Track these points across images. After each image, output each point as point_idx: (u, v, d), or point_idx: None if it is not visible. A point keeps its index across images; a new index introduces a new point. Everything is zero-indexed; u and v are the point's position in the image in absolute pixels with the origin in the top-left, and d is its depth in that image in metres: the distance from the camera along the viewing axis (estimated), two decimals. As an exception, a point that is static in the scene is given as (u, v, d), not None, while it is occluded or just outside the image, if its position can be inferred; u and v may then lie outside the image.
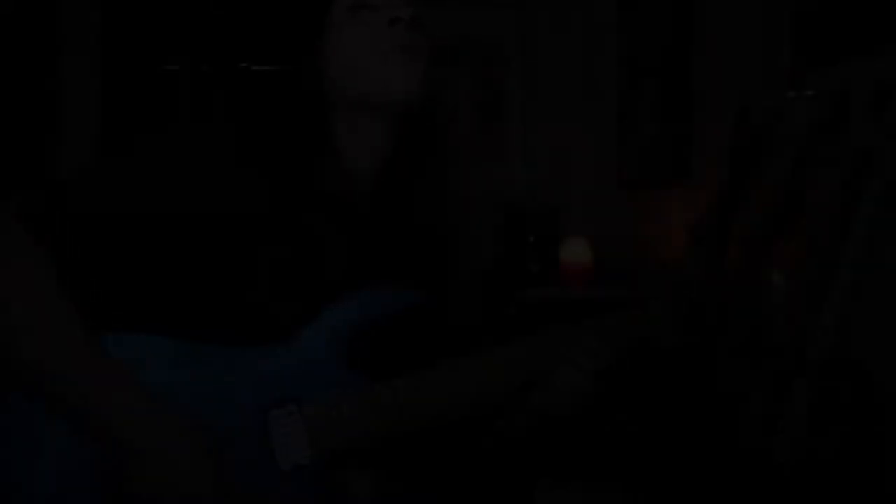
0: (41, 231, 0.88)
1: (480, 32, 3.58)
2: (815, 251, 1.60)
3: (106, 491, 0.87)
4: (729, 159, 1.91)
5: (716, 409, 1.80)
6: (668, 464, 1.84)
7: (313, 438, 0.94)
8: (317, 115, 1.00)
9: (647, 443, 1.95)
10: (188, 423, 0.88)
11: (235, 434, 0.93)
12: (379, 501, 1.06)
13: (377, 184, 1.05)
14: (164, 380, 0.91)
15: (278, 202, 0.96)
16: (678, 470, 1.81)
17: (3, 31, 2.95)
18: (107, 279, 0.96)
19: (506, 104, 3.61)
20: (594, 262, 2.79)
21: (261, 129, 1.01)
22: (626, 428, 2.13)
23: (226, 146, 0.98)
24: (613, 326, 1.04)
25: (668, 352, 2.06)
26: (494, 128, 3.61)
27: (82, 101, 3.18)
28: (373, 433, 0.96)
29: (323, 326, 0.96)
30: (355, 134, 1.01)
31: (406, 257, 1.05)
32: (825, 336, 1.49)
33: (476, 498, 1.16)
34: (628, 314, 1.05)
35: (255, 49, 1.04)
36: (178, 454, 0.86)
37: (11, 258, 0.85)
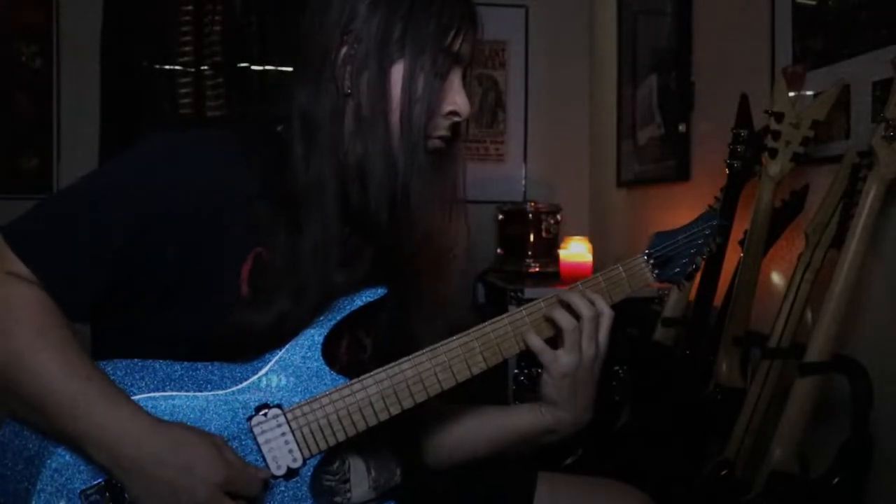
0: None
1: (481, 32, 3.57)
2: (815, 251, 1.61)
3: None
4: (729, 159, 1.91)
5: (714, 409, 1.80)
6: (666, 463, 1.84)
7: (301, 440, 0.94)
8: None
9: (646, 442, 1.96)
10: (182, 434, 0.87)
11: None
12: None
13: None
14: (157, 399, 0.91)
15: (266, 202, 0.95)
16: (676, 469, 1.81)
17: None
18: (106, 304, 0.95)
19: (506, 104, 3.62)
20: (594, 262, 2.78)
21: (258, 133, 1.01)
22: (625, 427, 2.13)
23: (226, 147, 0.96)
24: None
25: (669, 351, 2.06)
26: (494, 128, 3.62)
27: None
28: (356, 427, 0.96)
29: (307, 334, 0.96)
30: None
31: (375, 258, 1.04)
32: (825, 336, 1.49)
33: (479, 493, 1.16)
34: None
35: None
36: (173, 466, 0.85)
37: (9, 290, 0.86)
